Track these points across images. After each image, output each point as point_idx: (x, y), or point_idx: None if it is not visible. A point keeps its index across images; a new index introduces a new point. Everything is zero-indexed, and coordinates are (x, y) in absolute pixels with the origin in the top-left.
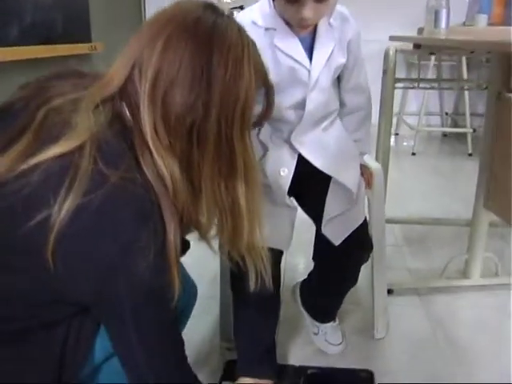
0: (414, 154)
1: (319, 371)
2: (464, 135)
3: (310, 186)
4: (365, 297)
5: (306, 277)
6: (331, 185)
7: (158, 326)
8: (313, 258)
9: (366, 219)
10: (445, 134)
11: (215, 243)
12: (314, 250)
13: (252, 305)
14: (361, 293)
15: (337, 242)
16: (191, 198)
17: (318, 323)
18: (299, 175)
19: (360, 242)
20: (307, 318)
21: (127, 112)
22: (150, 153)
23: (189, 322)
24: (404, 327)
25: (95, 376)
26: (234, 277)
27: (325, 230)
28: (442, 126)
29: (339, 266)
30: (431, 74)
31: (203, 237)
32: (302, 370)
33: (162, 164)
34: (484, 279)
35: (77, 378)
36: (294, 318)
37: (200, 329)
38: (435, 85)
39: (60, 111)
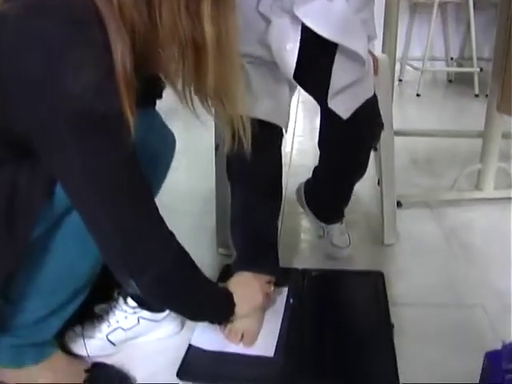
0: (418, 95)
1: (325, 273)
2: (470, 79)
3: (315, 60)
4: (374, 210)
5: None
6: (337, 55)
7: (109, 162)
8: (319, 144)
9: (375, 95)
10: (450, 80)
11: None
12: (320, 135)
13: (251, 190)
14: (370, 205)
15: (345, 115)
16: (144, 20)
17: (323, 224)
18: (303, 50)
19: (369, 117)
20: (312, 221)
21: None
22: None
23: (184, 236)
24: (415, 235)
25: (55, 233)
26: (231, 160)
27: (331, 104)
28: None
29: (348, 147)
30: (435, 17)
31: (166, 77)
32: (305, 272)
33: None
34: (497, 191)
35: (33, 227)
36: (298, 227)
37: (196, 241)
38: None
39: None
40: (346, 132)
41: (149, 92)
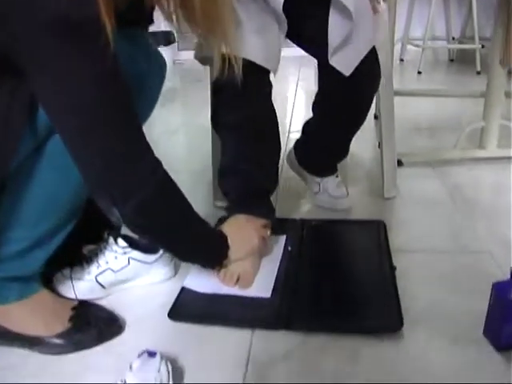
0: (419, 72)
1: (324, 223)
2: (472, 58)
3: (309, 13)
4: (375, 170)
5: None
6: (331, 9)
7: (87, 73)
8: (316, 98)
9: (374, 47)
10: (451, 59)
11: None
12: (319, 89)
13: (242, 138)
14: (371, 166)
15: (348, 71)
16: None
17: (318, 178)
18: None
19: (370, 69)
20: (308, 179)
21: None
22: None
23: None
24: (417, 190)
25: (36, 160)
26: (217, 108)
27: (333, 61)
28: (449, 50)
29: (349, 100)
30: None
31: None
32: (304, 222)
33: None
34: (501, 150)
35: (14, 151)
36: (295, 188)
37: (193, 195)
38: None
39: None
40: (347, 86)
41: (137, 14)
